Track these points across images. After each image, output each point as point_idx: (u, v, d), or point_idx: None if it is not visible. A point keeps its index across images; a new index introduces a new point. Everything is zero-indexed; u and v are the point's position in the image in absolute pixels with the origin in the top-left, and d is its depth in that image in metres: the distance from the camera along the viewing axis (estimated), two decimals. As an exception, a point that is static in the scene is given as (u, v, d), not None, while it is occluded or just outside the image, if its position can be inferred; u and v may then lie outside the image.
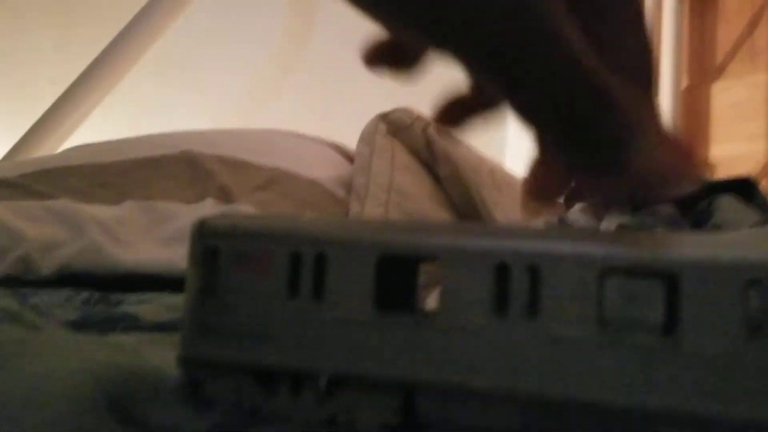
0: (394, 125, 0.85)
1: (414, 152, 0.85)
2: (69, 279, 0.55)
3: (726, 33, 1.65)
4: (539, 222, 0.75)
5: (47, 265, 0.56)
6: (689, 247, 0.22)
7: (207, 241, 0.26)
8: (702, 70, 1.68)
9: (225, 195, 0.70)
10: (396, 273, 0.25)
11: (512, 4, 0.19)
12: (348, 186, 0.81)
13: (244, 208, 0.67)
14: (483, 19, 0.19)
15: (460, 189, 0.85)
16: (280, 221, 0.26)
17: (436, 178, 0.87)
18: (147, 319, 0.42)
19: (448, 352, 0.23)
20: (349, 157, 0.89)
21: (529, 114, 0.21)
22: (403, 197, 0.78)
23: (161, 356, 0.28)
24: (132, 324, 0.40)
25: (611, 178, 0.22)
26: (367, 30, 0.22)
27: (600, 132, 0.21)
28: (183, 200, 0.67)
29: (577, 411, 0.22)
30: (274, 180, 0.75)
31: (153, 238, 0.62)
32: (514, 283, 0.23)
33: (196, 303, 0.26)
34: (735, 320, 0.21)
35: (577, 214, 0.70)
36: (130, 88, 1.33)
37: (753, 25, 1.60)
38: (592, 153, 0.21)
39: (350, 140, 0.88)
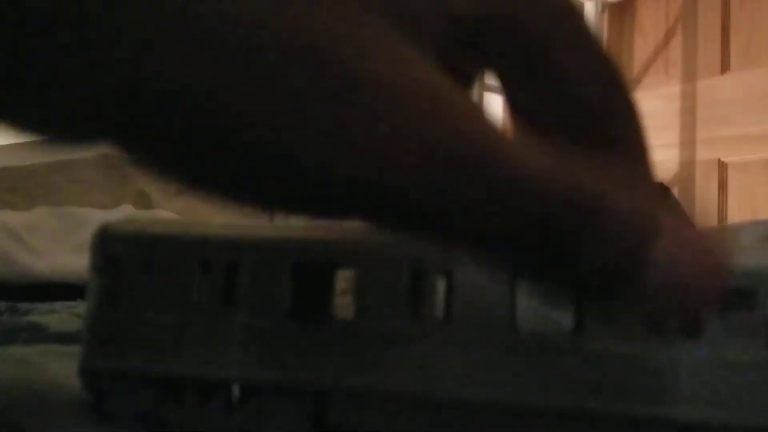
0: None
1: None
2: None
3: (642, 45, 1.71)
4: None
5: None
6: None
7: (110, 248, 0.25)
8: (620, 80, 1.74)
9: (143, 200, 0.67)
10: (312, 279, 0.25)
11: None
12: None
13: (163, 214, 0.65)
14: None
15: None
16: (190, 227, 0.26)
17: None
18: (54, 329, 0.40)
19: (362, 358, 0.23)
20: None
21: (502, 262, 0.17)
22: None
23: (64, 368, 0.27)
24: (37, 335, 0.38)
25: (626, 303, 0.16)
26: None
27: (596, 257, 0.15)
28: (98, 205, 0.65)
29: (490, 413, 0.22)
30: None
31: (66, 245, 0.60)
32: (428, 288, 0.23)
33: (98, 312, 0.25)
34: (637, 322, 0.21)
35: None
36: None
37: (668, 37, 1.67)
38: (594, 284, 0.16)
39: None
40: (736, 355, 0.20)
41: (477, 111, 0.14)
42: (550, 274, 0.16)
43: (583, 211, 0.15)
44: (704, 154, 1.57)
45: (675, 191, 0.70)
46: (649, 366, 0.21)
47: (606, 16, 1.75)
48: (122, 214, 0.64)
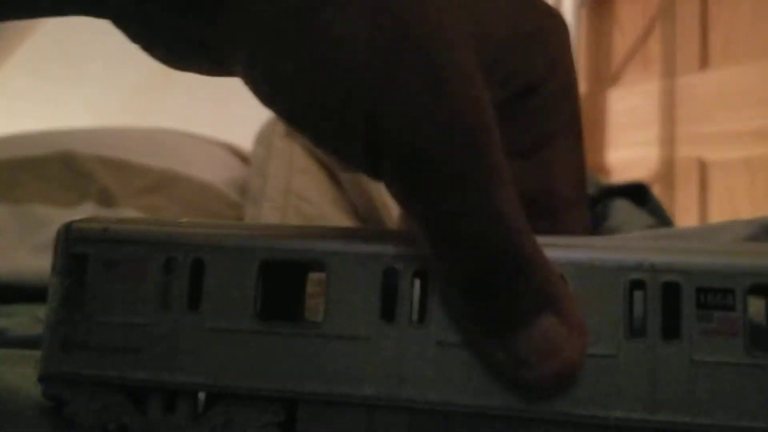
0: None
1: (313, 154, 0.83)
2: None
3: (621, 41, 1.72)
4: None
5: None
6: (574, 250, 0.22)
7: (74, 246, 0.24)
8: (598, 77, 1.75)
9: (106, 198, 0.65)
10: (282, 281, 0.24)
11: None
12: (243, 189, 0.78)
13: (127, 213, 0.64)
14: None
15: (361, 193, 0.84)
16: (154, 225, 0.25)
17: (337, 181, 0.85)
18: (15, 333, 0.39)
19: (333, 362, 0.22)
20: (244, 158, 0.86)
21: (440, 255, 0.20)
22: (302, 201, 0.76)
23: (23, 374, 0.26)
24: (-3, 339, 0.37)
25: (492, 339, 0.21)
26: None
27: (501, 294, 0.20)
28: (60, 204, 0.63)
29: (465, 417, 0.21)
30: (162, 182, 0.71)
31: (26, 245, 0.58)
32: (402, 290, 0.22)
33: (60, 315, 0.24)
34: (617, 321, 0.21)
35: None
36: (3, 81, 1.24)
37: (646, 34, 1.68)
38: (485, 308, 0.20)
39: (245, 141, 0.85)
40: (714, 356, 0.20)
41: (496, 136, 0.19)
42: (461, 292, 0.20)
43: (512, 256, 0.19)
44: (684, 151, 1.58)
45: (654, 190, 0.71)
46: (627, 368, 0.20)
47: (584, 12, 1.76)
48: (84, 212, 0.62)
